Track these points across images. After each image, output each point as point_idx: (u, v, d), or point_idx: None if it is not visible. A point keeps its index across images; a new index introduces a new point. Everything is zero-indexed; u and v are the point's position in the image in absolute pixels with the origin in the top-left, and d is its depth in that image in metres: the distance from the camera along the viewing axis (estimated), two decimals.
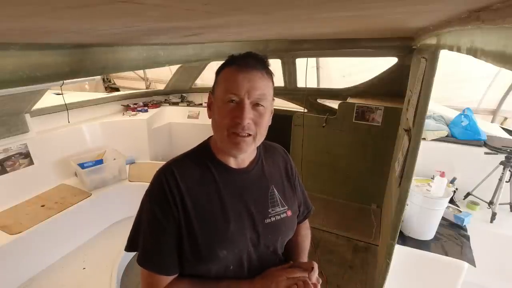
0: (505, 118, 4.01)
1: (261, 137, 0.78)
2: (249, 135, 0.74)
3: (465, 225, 1.87)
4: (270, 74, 0.78)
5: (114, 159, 2.68)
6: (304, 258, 0.94)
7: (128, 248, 0.81)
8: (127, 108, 3.36)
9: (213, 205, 0.77)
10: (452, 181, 2.14)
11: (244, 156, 0.83)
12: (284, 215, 0.86)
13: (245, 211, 0.79)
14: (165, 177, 0.75)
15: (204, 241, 0.74)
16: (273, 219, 0.83)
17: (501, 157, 2.03)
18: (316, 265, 0.79)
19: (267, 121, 0.78)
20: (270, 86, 0.77)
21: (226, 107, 0.73)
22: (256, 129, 0.75)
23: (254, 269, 0.81)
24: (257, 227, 0.80)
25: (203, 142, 0.86)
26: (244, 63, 0.74)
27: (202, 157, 0.82)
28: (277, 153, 0.96)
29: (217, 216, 0.76)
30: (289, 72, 3.28)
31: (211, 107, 0.80)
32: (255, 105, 0.74)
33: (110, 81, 7.05)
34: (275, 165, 0.92)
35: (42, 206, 2.18)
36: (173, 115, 3.67)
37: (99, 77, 5.73)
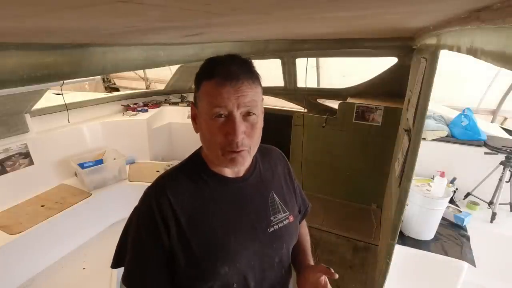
0: (505, 118, 4.01)
1: (255, 147, 0.73)
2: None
3: (465, 225, 1.87)
4: (257, 77, 0.71)
5: (114, 159, 2.68)
6: (309, 258, 0.92)
7: (115, 265, 0.78)
8: (127, 108, 3.36)
9: (211, 220, 0.72)
10: (452, 181, 2.14)
11: None
12: (287, 221, 0.82)
13: (246, 222, 0.75)
14: (155, 196, 0.71)
15: (204, 258, 0.69)
16: (276, 227, 0.79)
17: (501, 157, 2.03)
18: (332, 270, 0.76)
19: (260, 128, 0.72)
20: (259, 90, 0.71)
21: (215, 122, 0.66)
22: (250, 141, 0.69)
23: (260, 286, 0.77)
24: (260, 238, 0.76)
25: (194, 153, 0.80)
26: (228, 72, 0.65)
27: (195, 169, 0.76)
28: (274, 157, 0.91)
29: (216, 231, 0.72)
30: (289, 72, 3.28)
31: (196, 120, 0.73)
32: (246, 114, 0.67)
33: (110, 81, 7.05)
34: (273, 170, 0.87)
35: (42, 206, 2.18)
36: (173, 115, 3.66)
37: (99, 77, 5.73)
